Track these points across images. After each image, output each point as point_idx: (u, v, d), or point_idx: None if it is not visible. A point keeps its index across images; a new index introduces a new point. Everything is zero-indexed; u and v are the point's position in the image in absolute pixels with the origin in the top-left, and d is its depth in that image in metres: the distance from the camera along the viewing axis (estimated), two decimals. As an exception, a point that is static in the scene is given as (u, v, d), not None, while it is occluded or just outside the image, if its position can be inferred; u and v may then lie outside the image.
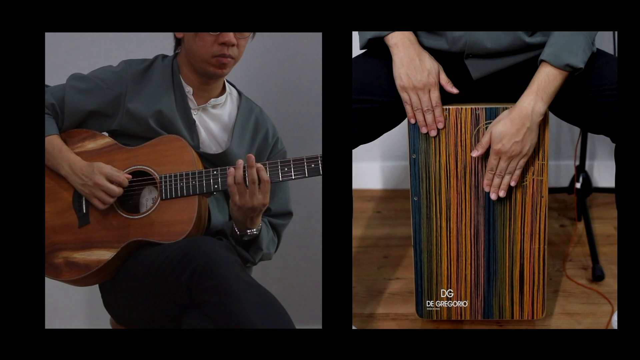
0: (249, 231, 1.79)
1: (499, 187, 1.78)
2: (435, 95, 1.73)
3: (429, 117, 1.75)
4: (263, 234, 1.83)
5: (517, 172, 1.76)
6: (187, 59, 1.84)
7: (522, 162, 1.75)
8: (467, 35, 1.73)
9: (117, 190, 1.75)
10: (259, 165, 1.71)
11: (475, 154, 1.77)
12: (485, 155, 1.77)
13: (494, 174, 1.77)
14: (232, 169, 1.71)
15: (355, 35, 1.84)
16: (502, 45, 1.73)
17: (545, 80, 1.68)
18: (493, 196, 1.79)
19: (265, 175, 1.70)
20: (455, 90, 1.74)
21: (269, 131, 1.95)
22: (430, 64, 1.72)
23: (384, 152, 2.78)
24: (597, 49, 1.76)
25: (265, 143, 1.94)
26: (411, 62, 1.72)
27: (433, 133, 1.77)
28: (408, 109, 1.75)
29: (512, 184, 1.77)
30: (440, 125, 1.77)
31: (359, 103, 1.75)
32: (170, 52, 1.91)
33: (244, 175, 1.71)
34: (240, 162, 1.71)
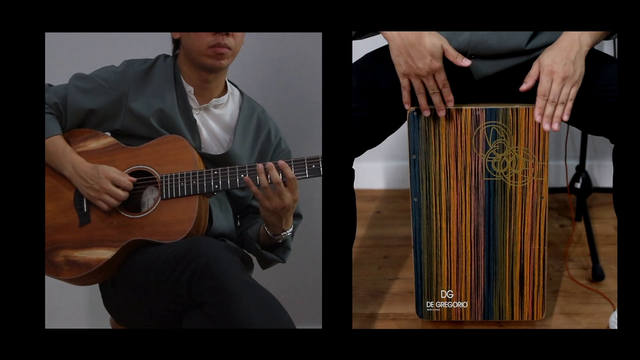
0: (283, 233, 1.81)
1: (551, 118, 1.66)
2: (442, 77, 1.66)
3: (436, 98, 1.69)
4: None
5: (569, 105, 1.65)
6: (186, 58, 1.84)
7: (574, 90, 1.65)
8: (471, 37, 1.72)
9: (123, 194, 1.76)
10: (283, 163, 1.71)
11: (524, 87, 1.67)
12: (488, 154, 1.78)
13: (547, 100, 1.65)
14: (248, 177, 1.72)
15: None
16: (507, 47, 1.72)
17: None
18: (546, 127, 1.66)
19: (291, 173, 1.71)
20: (467, 62, 1.66)
21: (271, 131, 1.95)
22: (431, 45, 1.63)
23: (385, 152, 2.77)
24: (598, 51, 1.76)
25: (267, 143, 1.94)
26: (411, 48, 1.64)
27: (442, 113, 1.72)
28: (405, 94, 1.69)
29: (565, 118, 1.65)
30: (450, 105, 1.70)
31: (361, 110, 1.74)
32: (170, 52, 1.91)
33: (267, 178, 1.71)
34: (260, 166, 1.71)
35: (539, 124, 1.69)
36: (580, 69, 1.65)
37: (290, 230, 1.82)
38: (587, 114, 1.74)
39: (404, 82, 1.69)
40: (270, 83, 2.35)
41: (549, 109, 1.65)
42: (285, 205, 1.73)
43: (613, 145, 1.74)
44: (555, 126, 1.66)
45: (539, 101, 1.66)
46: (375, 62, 1.80)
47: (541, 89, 1.65)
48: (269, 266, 1.91)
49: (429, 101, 1.73)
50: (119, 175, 1.77)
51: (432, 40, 1.64)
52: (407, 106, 1.72)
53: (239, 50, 1.83)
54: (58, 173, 1.82)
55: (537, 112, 1.67)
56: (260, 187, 1.72)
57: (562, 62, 1.63)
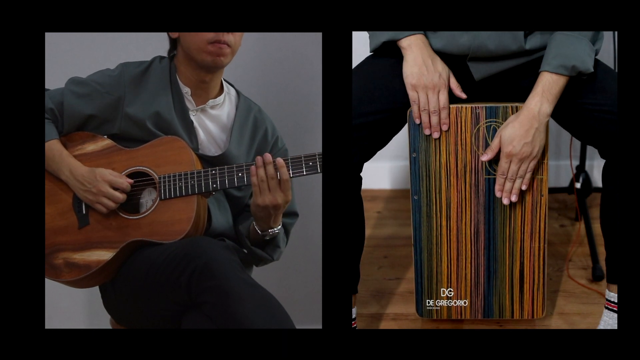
0: (270, 230, 1.80)
1: (510, 192, 1.78)
2: (444, 97, 1.74)
3: (434, 119, 1.76)
4: (281, 232, 1.85)
5: (528, 176, 1.76)
6: (184, 58, 1.84)
7: (533, 164, 1.75)
8: (471, 41, 1.73)
9: (122, 197, 1.76)
10: (281, 161, 1.72)
11: (485, 157, 1.77)
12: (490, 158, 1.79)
13: (506, 178, 1.76)
14: (254, 168, 1.72)
15: (355, 35, 1.84)
16: (506, 51, 1.73)
17: (550, 82, 1.69)
18: (505, 201, 1.78)
19: (286, 174, 1.72)
20: (463, 96, 1.75)
21: (267, 130, 1.95)
22: (441, 67, 1.74)
23: (385, 151, 2.77)
24: (599, 61, 1.76)
25: (264, 142, 1.94)
26: (424, 63, 1.73)
27: (436, 135, 1.78)
28: (415, 108, 1.76)
29: (524, 187, 1.77)
30: (445, 128, 1.77)
31: (363, 117, 1.75)
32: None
33: (266, 172, 1.72)
34: (260, 159, 1.72)
35: None
36: (539, 143, 1.73)
37: (278, 228, 1.82)
38: (581, 122, 1.75)
39: (412, 95, 1.74)
40: (270, 83, 2.35)
41: (507, 185, 1.77)
42: (276, 203, 1.73)
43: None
44: (514, 198, 1.78)
45: (499, 179, 1.78)
46: (372, 68, 1.81)
47: (500, 169, 1.76)
48: (260, 263, 1.90)
49: None
50: (116, 177, 1.77)
51: (442, 64, 1.75)
52: (417, 120, 1.78)
53: (237, 49, 1.83)
54: (56, 176, 1.82)
55: (497, 187, 1.79)
56: (258, 179, 1.72)
57: (520, 143, 1.71)
